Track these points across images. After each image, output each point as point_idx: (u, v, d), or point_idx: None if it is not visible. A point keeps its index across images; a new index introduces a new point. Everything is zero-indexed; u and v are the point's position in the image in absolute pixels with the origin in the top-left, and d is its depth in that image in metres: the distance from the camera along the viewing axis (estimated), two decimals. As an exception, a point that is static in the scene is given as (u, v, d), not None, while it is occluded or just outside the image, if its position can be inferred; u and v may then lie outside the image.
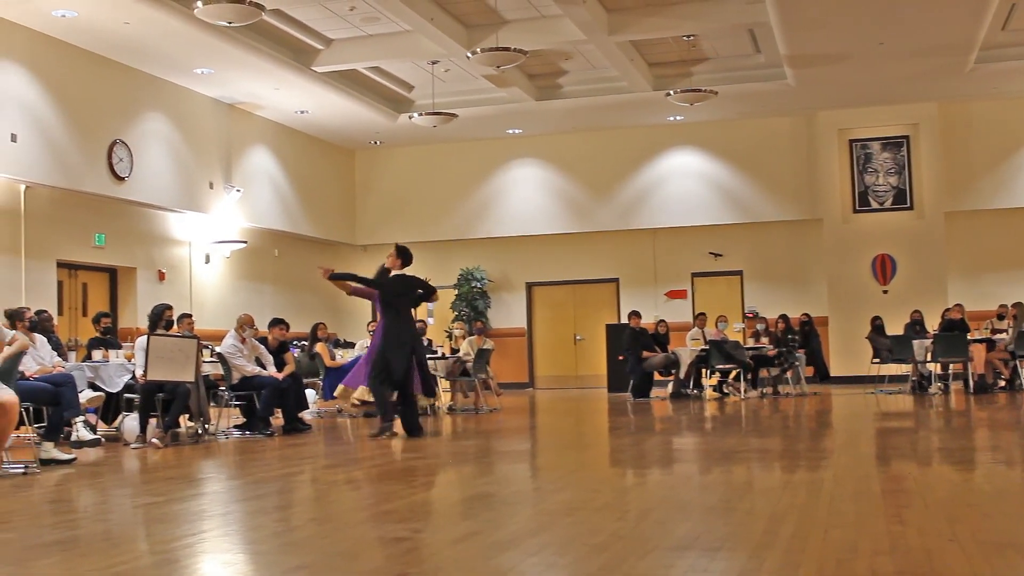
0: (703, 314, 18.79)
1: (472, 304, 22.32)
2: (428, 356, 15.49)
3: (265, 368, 12.26)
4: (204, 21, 13.39)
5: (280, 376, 12.21)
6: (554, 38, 16.58)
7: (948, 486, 6.85)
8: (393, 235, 22.90)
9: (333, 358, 15.12)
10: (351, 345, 16.68)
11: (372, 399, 11.66)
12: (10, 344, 8.33)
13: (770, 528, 5.14)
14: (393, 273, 11.42)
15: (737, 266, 21.92)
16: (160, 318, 11.69)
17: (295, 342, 15.39)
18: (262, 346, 12.54)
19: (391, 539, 5.15)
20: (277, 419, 12.34)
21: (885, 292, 20.40)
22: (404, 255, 11.52)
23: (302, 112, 19.79)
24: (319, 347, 15.07)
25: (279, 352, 12.79)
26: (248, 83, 17.69)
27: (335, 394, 13.26)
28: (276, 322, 13.16)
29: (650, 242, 22.10)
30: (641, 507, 6.00)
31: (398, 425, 11.33)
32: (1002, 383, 16.85)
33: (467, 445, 10.79)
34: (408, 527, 5.53)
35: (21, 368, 9.02)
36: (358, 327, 20.97)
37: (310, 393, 14.97)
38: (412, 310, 11.66)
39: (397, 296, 11.29)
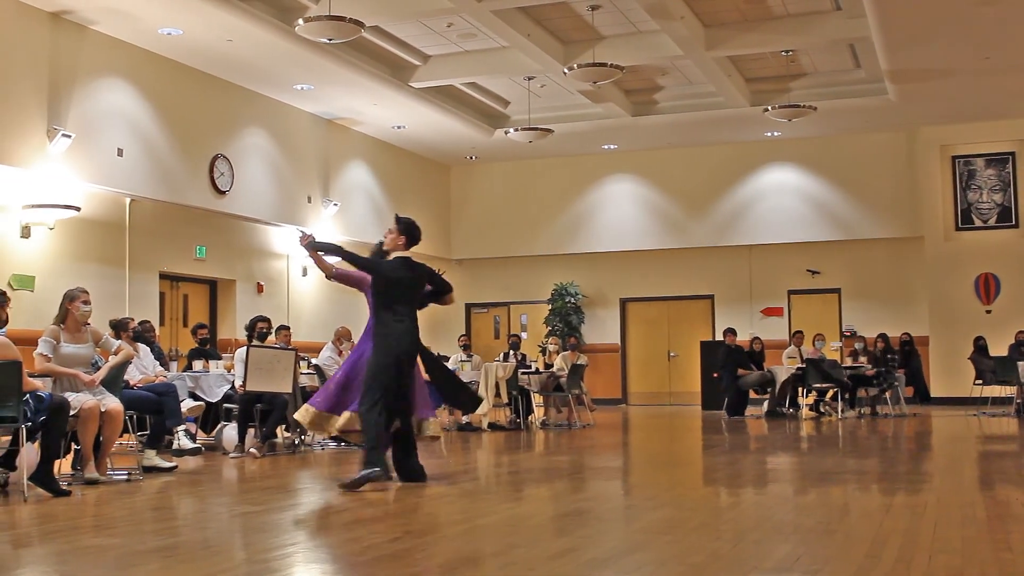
0: (800, 332, 18.52)
1: (566, 319, 22.29)
2: (523, 371, 15.57)
3: (361, 380, 12.35)
4: (305, 38, 13.59)
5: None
6: (651, 54, 16.52)
7: (1057, 512, 6.65)
8: (488, 249, 23.07)
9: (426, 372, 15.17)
10: (445, 359, 16.72)
11: (359, 427, 8.27)
12: (115, 354, 8.53)
13: (872, 552, 5.04)
14: (393, 255, 8.46)
15: (835, 284, 21.58)
16: (253, 330, 11.85)
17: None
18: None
19: (487, 553, 5.15)
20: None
21: (988, 312, 19.92)
22: (410, 230, 8.52)
23: (399, 127, 19.97)
24: (415, 360, 15.14)
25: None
26: (346, 99, 17.91)
27: (295, 416, 9.00)
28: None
29: (746, 259, 21.88)
30: (738, 527, 5.93)
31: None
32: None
33: (560, 461, 10.76)
34: (504, 542, 5.53)
35: (125, 377, 9.23)
36: (452, 340, 21.03)
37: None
38: (417, 311, 8.54)
39: (396, 285, 8.28)
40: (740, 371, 17.50)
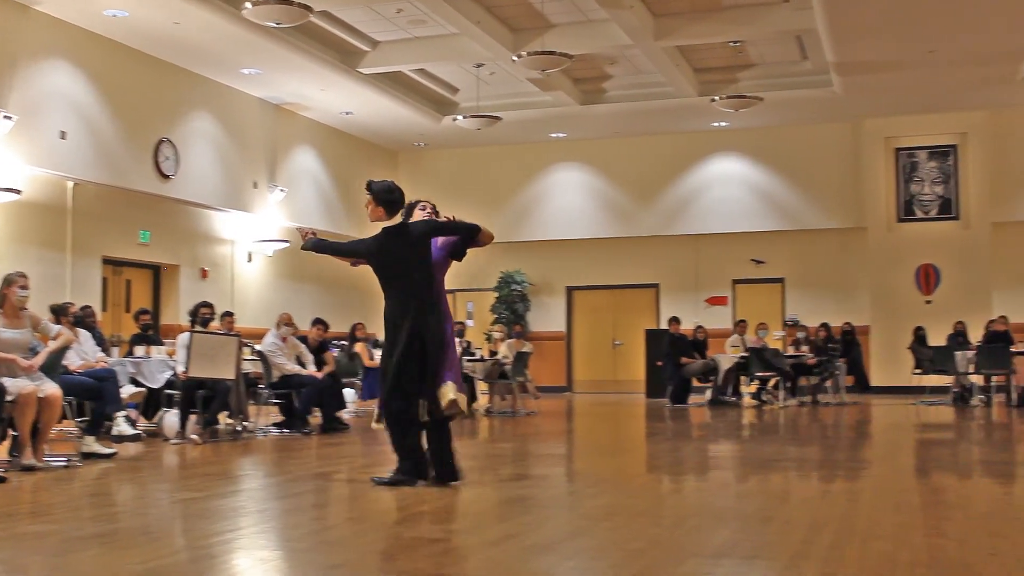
0: (743, 321, 18.70)
1: (512, 307, 22.32)
2: (468, 358, 15.58)
3: (305, 367, 12.33)
4: (252, 22, 13.51)
5: (319, 375, 12.27)
6: (600, 42, 16.57)
7: (989, 499, 6.78)
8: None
9: (372, 358, 15.15)
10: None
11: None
12: (55, 339, 8.43)
13: (808, 538, 5.11)
14: (383, 227, 7.26)
15: (779, 273, 21.79)
16: (196, 316, 11.76)
17: (335, 342, 15.45)
18: (302, 345, 12.62)
19: (428, 540, 5.16)
20: (315, 418, 12.39)
21: (929, 302, 20.21)
22: (385, 195, 7.24)
23: (347, 113, 19.88)
24: (358, 347, 15.13)
25: (319, 351, 12.87)
26: (295, 84, 17.80)
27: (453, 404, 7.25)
28: (316, 321, 13.29)
29: (692, 248, 22.02)
30: (678, 514, 5.99)
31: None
32: (1046, 397, 16.64)
33: (504, 448, 10.79)
34: (444, 528, 5.54)
35: (65, 362, 9.13)
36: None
37: (349, 393, 15.03)
38: (438, 274, 7.39)
39: (384, 262, 7.22)
40: (684, 359, 17.61)
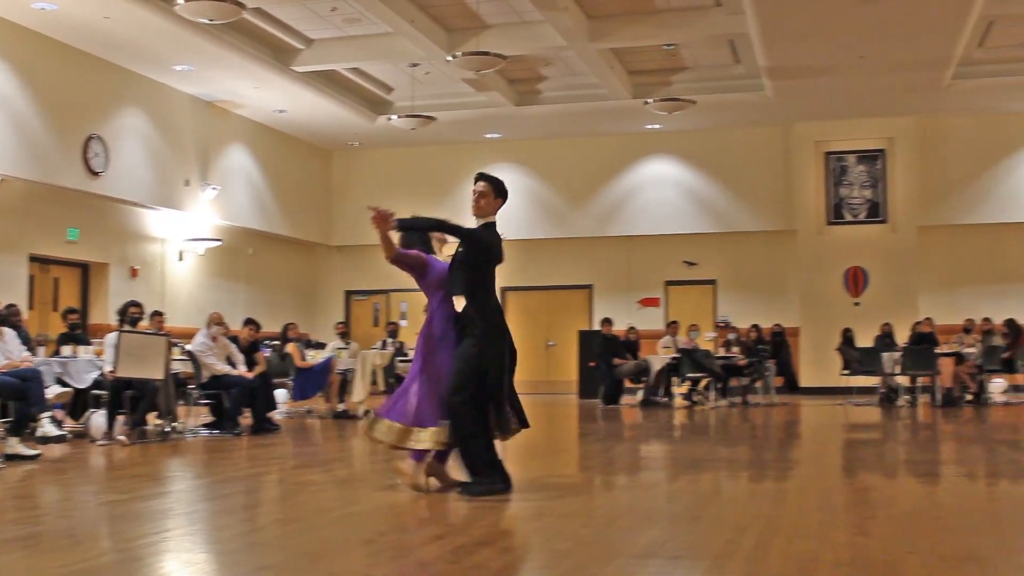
0: (675, 322, 18.85)
1: (446, 307, 22.25)
2: (400, 359, 15.56)
3: (235, 367, 12.24)
4: (185, 18, 13.38)
5: (250, 375, 12.19)
6: (535, 44, 16.60)
7: (912, 498, 6.91)
8: (369, 236, 22.71)
9: (304, 359, 15.08)
10: (322, 346, 16.64)
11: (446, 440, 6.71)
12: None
13: (733, 537, 5.17)
14: (486, 222, 7.01)
15: (711, 275, 21.99)
16: (124, 315, 11.62)
17: (267, 342, 15.35)
18: (233, 345, 12.52)
19: (356, 541, 5.15)
20: (246, 419, 12.30)
21: (857, 304, 20.51)
22: (505, 192, 7.10)
23: (281, 111, 19.75)
24: (290, 347, 15.04)
25: (250, 351, 12.78)
26: (227, 81, 17.64)
27: (377, 436, 6.84)
28: (248, 321, 13.20)
29: (625, 249, 22.14)
30: (607, 514, 6.03)
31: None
32: (969, 397, 16.96)
33: (437, 448, 10.77)
34: (374, 529, 5.54)
35: (-11, 362, 8.98)
36: (330, 327, 20.89)
37: (280, 393, 14.94)
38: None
39: (495, 259, 7.00)
40: (616, 360, 17.72)
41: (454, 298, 6.86)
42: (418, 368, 6.88)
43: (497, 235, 6.94)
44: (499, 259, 6.94)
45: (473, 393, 6.59)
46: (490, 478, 6.65)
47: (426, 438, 6.67)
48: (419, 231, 7.20)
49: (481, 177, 7.01)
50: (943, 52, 16.23)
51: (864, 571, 4.44)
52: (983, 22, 15.82)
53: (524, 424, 6.95)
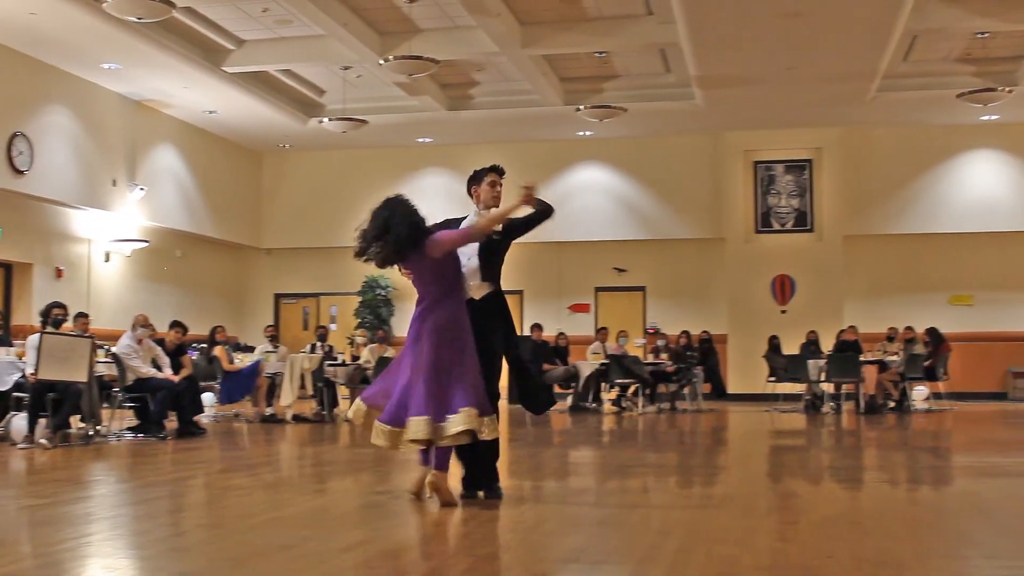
0: (605, 328, 18.95)
1: (376, 311, 22.22)
2: (329, 363, 15.49)
3: (161, 370, 12.10)
4: (113, 15, 13.22)
5: (176, 379, 12.06)
6: (467, 49, 16.62)
7: (833, 504, 7.01)
8: (299, 239, 22.81)
9: (231, 362, 14.96)
10: (251, 349, 16.50)
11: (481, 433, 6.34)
12: None
13: (657, 543, 5.21)
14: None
15: (641, 282, 22.14)
16: (47, 316, 11.45)
17: (194, 345, 15.20)
18: (158, 348, 12.38)
19: (279, 546, 5.12)
20: (171, 422, 12.17)
21: (783, 312, 20.77)
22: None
23: (211, 112, 19.57)
24: (217, 350, 14.90)
25: (176, 354, 12.65)
26: (156, 80, 17.45)
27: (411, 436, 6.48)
28: (174, 324, 13.04)
29: (555, 255, 22.21)
30: (532, 519, 6.05)
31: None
32: (892, 404, 17.25)
33: (364, 453, 10.74)
34: (298, 534, 5.51)
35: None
36: (259, 330, 20.72)
37: (208, 397, 14.81)
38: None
39: None
40: (545, 366, 17.77)
41: (474, 285, 6.83)
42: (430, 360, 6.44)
43: None
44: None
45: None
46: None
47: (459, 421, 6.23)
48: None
49: (500, 171, 7.32)
50: (868, 65, 16.51)
51: (783, 576, 4.51)
52: (907, 36, 16.12)
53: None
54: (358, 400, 6.70)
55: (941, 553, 5.13)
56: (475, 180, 7.12)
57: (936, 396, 18.21)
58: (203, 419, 13.11)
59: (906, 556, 5.00)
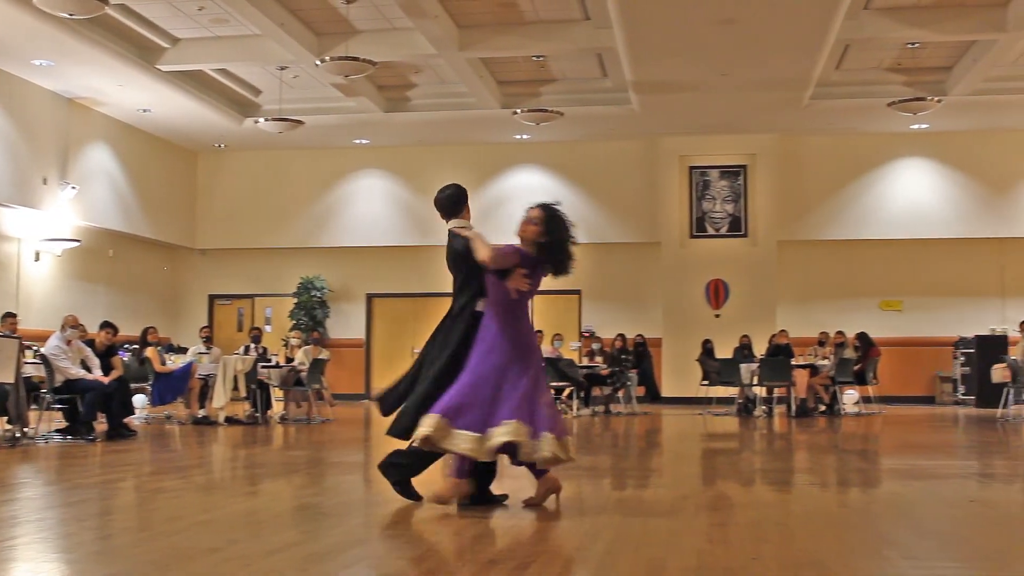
0: (539, 332, 18.94)
1: (311, 313, 22.11)
2: (263, 364, 15.40)
3: (90, 371, 11.96)
4: (44, 11, 13.03)
5: (106, 380, 11.92)
6: (405, 51, 16.59)
7: (762, 507, 7.09)
8: (234, 240, 22.64)
9: (163, 363, 14.81)
10: (184, 350, 16.36)
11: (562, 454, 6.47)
12: None
13: (584, 545, 5.25)
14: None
15: (576, 285, 22.20)
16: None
17: (125, 346, 15.02)
18: (88, 348, 12.23)
19: (206, 549, 5.09)
20: (101, 424, 12.02)
21: (717, 316, 20.96)
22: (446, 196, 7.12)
23: (145, 111, 19.36)
24: (149, 352, 14.75)
25: (107, 355, 12.51)
26: (89, 78, 17.23)
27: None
28: (105, 325, 12.90)
29: (492, 258, 22.20)
30: (461, 522, 6.05)
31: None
32: (822, 408, 17.49)
33: (297, 456, 10.70)
34: (225, 537, 5.47)
35: None
36: (194, 332, 20.53)
37: (139, 399, 14.65)
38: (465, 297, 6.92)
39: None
40: (481, 369, 17.75)
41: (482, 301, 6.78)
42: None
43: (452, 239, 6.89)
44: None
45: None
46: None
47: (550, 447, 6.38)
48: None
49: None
50: (802, 73, 16.73)
51: (707, 577, 4.56)
52: (840, 45, 16.36)
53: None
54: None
55: (863, 554, 5.21)
56: None
57: (866, 400, 18.50)
58: (134, 421, 12.99)
59: (829, 557, 5.08)
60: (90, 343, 12.45)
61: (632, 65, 16.38)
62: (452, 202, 6.99)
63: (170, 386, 14.67)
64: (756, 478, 9.11)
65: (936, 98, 17.07)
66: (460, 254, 6.74)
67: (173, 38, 16.70)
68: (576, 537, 5.51)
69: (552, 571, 4.65)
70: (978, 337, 19.88)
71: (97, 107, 19.07)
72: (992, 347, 19.02)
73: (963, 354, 20.42)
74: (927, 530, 5.95)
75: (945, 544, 5.50)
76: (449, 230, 6.92)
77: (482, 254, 6.51)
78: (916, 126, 20.19)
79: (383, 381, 22.48)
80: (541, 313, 22.18)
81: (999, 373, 16.47)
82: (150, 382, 14.64)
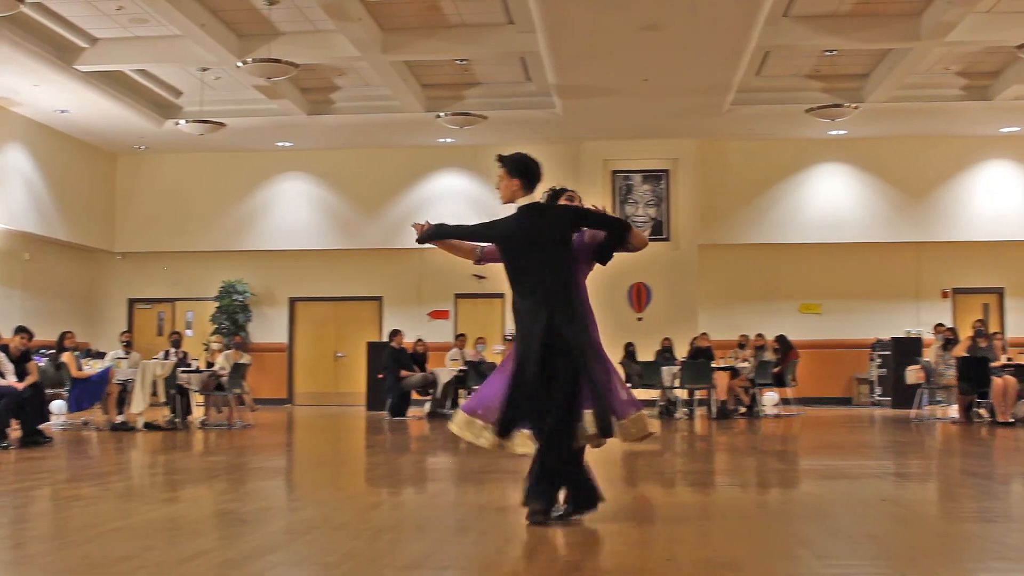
0: (463, 335, 19.04)
1: (233, 317, 21.90)
2: (183, 369, 15.22)
3: (3, 377, 11.74)
4: (-45, 10, 12.78)
5: (20, 386, 11.72)
6: (328, 53, 16.50)
7: (680, 508, 7.17)
8: (155, 243, 22.35)
9: (80, 368, 14.58)
10: (101, 355, 16.11)
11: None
12: None
13: (502, 548, 5.27)
14: (519, 204, 6.35)
15: (500, 289, 22.22)
16: None
17: (40, 351, 14.77)
18: (2, 354, 12.01)
19: (118, 557, 5.03)
20: (15, 431, 11.81)
21: (640, 319, 21.10)
22: (522, 167, 6.35)
23: (63, 111, 19.03)
24: (65, 357, 14.51)
25: (21, 361, 12.29)
26: (4, 78, 16.89)
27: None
28: (19, 329, 12.66)
29: (416, 262, 22.18)
30: (380, 526, 6.05)
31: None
32: (742, 410, 17.69)
33: (216, 461, 10.60)
34: (139, 545, 5.41)
35: None
36: (113, 336, 20.25)
37: (57, 404, 14.42)
38: (579, 276, 6.51)
39: (514, 248, 6.31)
40: (403, 372, 17.77)
41: None
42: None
43: (521, 219, 6.23)
44: (513, 249, 6.26)
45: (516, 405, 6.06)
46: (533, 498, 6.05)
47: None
48: (443, 239, 6.63)
49: (498, 159, 6.33)
50: (723, 79, 16.91)
51: (622, 579, 4.60)
52: (760, 52, 16.56)
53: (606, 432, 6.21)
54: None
55: (776, 553, 5.30)
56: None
57: (785, 402, 18.74)
58: (50, 427, 12.79)
59: (742, 557, 5.15)
60: (4, 348, 12.23)
61: (555, 69, 16.46)
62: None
63: (87, 391, 14.45)
64: (676, 480, 9.21)
65: (853, 105, 17.35)
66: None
67: (92, 38, 16.45)
68: (494, 540, 5.52)
69: (468, 574, 4.67)
70: (894, 339, 20.24)
71: (12, 107, 18.71)
72: (907, 349, 19.40)
73: (880, 356, 20.77)
74: (839, 529, 6.05)
75: (856, 543, 5.60)
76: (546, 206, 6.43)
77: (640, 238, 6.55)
78: (834, 132, 20.51)
79: (306, 385, 22.55)
80: (466, 317, 22.21)
81: (913, 375, 16.80)
82: (67, 388, 14.41)
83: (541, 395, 5.95)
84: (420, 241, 6.58)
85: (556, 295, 6.11)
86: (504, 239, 6.22)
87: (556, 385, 5.95)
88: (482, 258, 6.61)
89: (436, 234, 6.52)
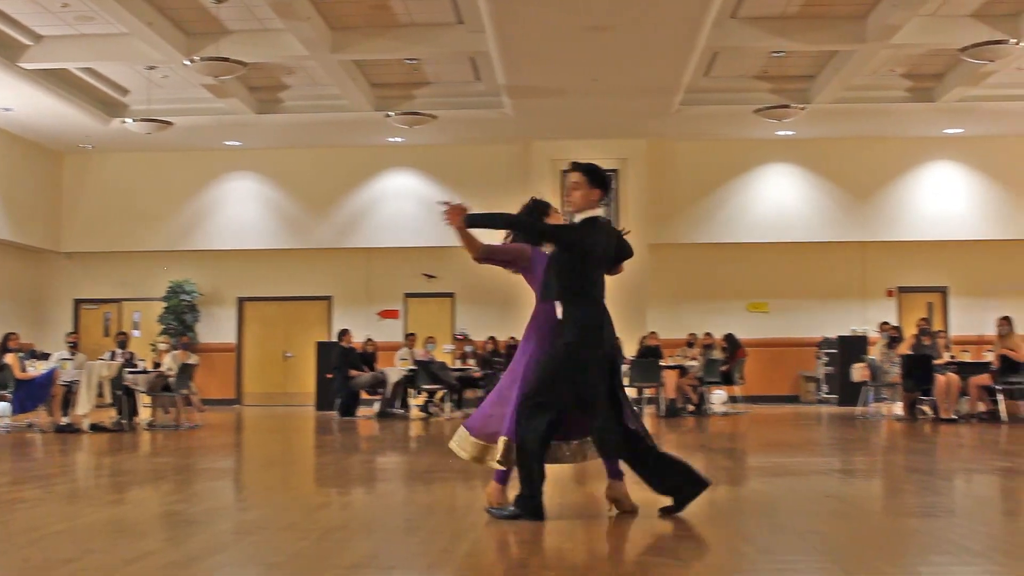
0: (413, 334, 19.04)
1: (180, 318, 21.74)
2: (129, 370, 15.10)
3: (-53, 378, 11.60)
4: None
5: (-37, 387, 11.57)
6: (276, 52, 16.43)
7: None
8: (101, 243, 22.14)
9: (24, 370, 14.41)
10: (46, 356, 15.92)
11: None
12: None
13: (448, 547, 5.28)
14: (580, 217, 6.33)
15: (450, 288, 22.26)
16: None
17: (-17, 352, 14.58)
18: (-55, 355, 11.85)
19: (60, 560, 4.98)
20: (-42, 432, 11.67)
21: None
22: (602, 178, 6.38)
23: (7, 110, 18.80)
24: (9, 358, 14.32)
25: (-36, 362, 12.13)
26: (-55, 75, 16.70)
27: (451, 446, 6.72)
28: (-38, 330, 12.50)
29: (365, 261, 22.15)
30: (327, 526, 6.04)
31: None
32: (691, 408, 17.81)
33: (163, 463, 10.52)
34: (82, 547, 5.37)
35: None
36: (59, 337, 20.02)
37: (1, 406, 14.24)
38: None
39: (591, 256, 6.33)
40: (352, 372, 17.73)
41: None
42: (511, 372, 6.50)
43: (597, 230, 6.28)
44: (601, 257, 6.34)
45: (543, 402, 6.07)
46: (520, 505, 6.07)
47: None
48: (489, 228, 6.48)
49: (575, 167, 6.32)
50: (671, 79, 17.03)
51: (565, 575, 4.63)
52: (708, 53, 16.69)
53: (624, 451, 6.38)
54: None
55: (720, 549, 5.35)
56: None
57: (733, 400, 18.90)
58: (-7, 429, 12.61)
59: (686, 553, 5.20)
60: (-54, 349, 12.07)
61: (505, 69, 16.49)
62: None
63: (31, 393, 14.29)
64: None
65: (800, 106, 17.54)
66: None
67: (36, 35, 16.27)
68: (441, 539, 5.53)
69: (415, 573, 4.68)
70: (840, 338, 20.46)
71: (-45, 106, 18.49)
72: (853, 347, 19.63)
73: (826, 354, 20.99)
74: (784, 526, 6.11)
75: (800, 538, 5.66)
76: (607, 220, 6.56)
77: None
78: (782, 133, 20.71)
79: (255, 385, 22.42)
80: (415, 316, 22.19)
81: (859, 372, 17.01)
82: (10, 389, 14.24)
83: (598, 398, 6.10)
84: (459, 226, 6.36)
85: (604, 305, 6.34)
86: (594, 247, 6.27)
87: (601, 389, 6.12)
88: (488, 257, 6.61)
89: (483, 221, 6.39)
